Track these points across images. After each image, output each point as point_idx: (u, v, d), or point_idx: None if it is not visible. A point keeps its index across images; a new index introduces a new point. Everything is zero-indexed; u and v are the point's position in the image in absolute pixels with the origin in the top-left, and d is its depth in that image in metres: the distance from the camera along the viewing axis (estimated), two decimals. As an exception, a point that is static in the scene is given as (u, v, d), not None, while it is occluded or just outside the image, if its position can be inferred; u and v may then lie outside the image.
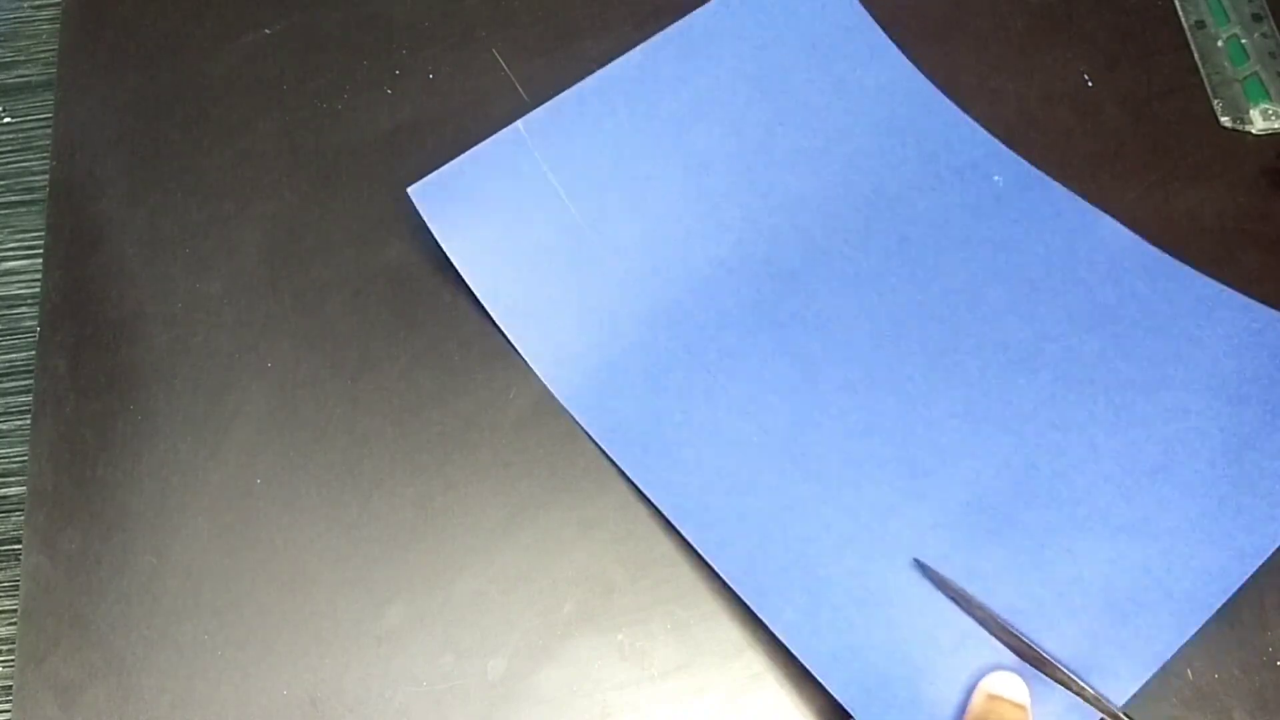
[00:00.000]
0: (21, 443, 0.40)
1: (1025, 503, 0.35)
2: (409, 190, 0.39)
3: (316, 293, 0.42)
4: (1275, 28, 0.45)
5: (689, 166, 0.41)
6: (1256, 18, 0.45)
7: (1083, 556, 0.34)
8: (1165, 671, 0.33)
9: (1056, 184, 0.41)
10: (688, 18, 0.42)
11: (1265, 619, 0.35)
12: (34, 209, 0.45)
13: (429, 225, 0.39)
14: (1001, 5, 0.45)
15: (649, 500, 0.37)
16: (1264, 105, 0.43)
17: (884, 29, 0.44)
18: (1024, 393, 0.37)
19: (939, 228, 0.41)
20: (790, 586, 0.34)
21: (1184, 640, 0.33)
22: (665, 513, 0.36)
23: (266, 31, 0.47)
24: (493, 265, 0.40)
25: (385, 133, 0.45)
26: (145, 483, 0.39)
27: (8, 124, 0.47)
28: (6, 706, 0.36)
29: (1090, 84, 0.44)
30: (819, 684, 0.34)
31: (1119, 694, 0.32)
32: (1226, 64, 0.44)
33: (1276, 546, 0.34)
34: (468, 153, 0.40)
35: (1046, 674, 0.32)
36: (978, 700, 0.32)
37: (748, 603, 0.34)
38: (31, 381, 0.41)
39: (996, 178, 0.41)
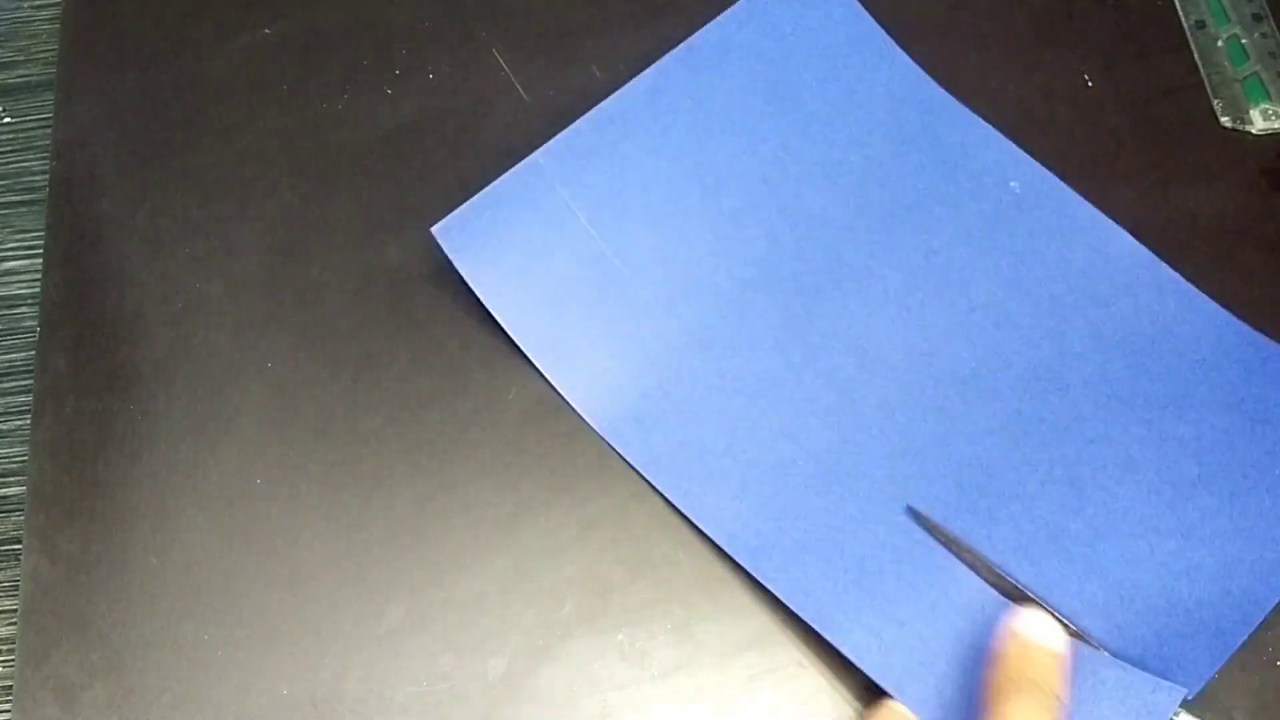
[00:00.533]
0: (21, 443, 0.41)
1: (1074, 514, 0.36)
2: (432, 230, 0.39)
3: (316, 293, 0.42)
4: (1275, 28, 0.45)
5: (706, 186, 0.41)
6: (1256, 18, 0.45)
7: (1136, 562, 0.35)
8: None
9: (1070, 190, 0.41)
10: (696, 35, 0.42)
11: (1265, 619, 0.35)
12: (34, 209, 0.45)
13: (455, 264, 0.39)
14: (1001, 5, 0.45)
15: (693, 522, 0.37)
16: (1264, 105, 0.43)
17: (885, 29, 0.44)
18: (1057, 410, 0.38)
19: (962, 239, 0.41)
20: (855, 608, 0.34)
21: (1249, 632, 0.33)
22: (720, 543, 0.36)
23: (266, 31, 0.47)
24: (521, 299, 0.39)
25: (385, 133, 0.45)
26: (145, 482, 0.39)
27: (8, 124, 0.47)
28: (6, 707, 0.36)
29: (1090, 84, 0.44)
30: (819, 684, 0.34)
31: (1192, 685, 0.33)
32: (1226, 64, 0.44)
33: None
34: (488, 188, 0.39)
35: (999, 590, 0.34)
36: (1006, 641, 0.31)
37: (816, 629, 0.34)
38: (31, 381, 0.41)
39: (1013, 183, 0.41)
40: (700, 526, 0.36)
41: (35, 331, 0.42)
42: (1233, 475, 0.36)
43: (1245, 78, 0.44)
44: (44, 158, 0.45)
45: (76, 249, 0.43)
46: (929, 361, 0.39)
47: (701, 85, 0.42)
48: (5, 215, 0.45)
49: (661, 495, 0.37)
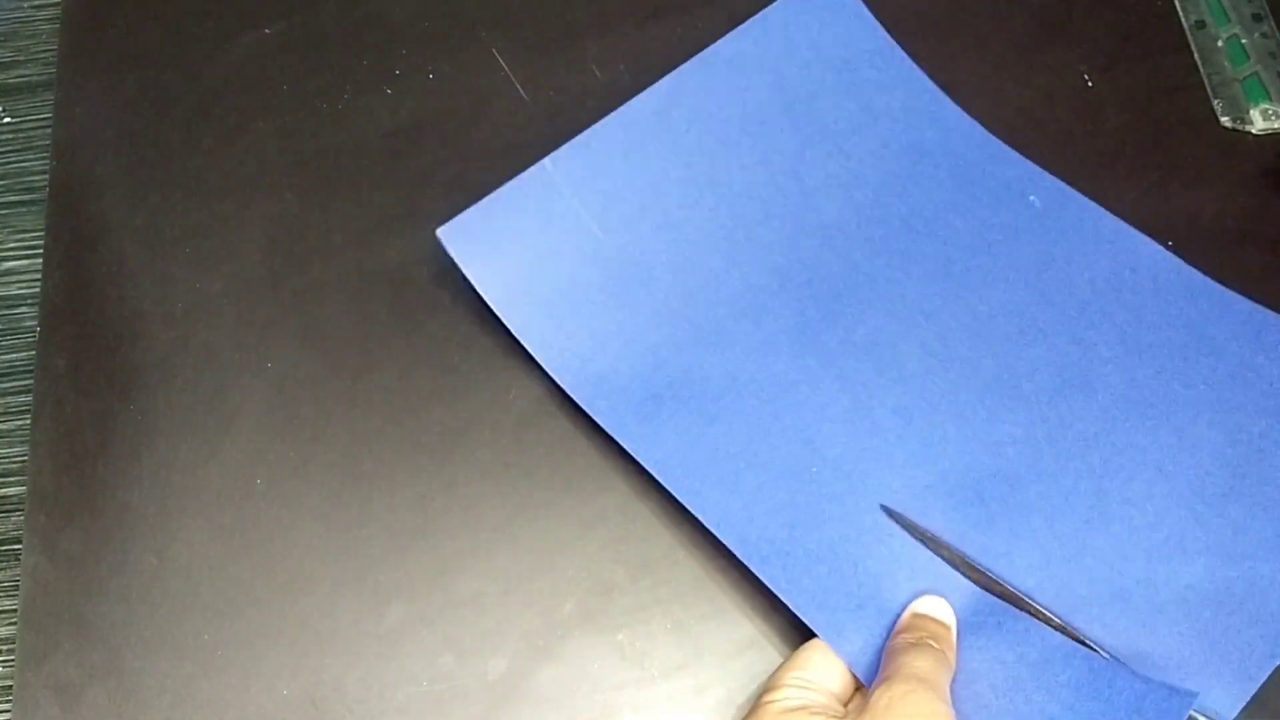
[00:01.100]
0: (21, 443, 0.41)
1: (1099, 529, 0.35)
2: (437, 232, 0.39)
3: (316, 293, 0.42)
4: (1275, 28, 0.45)
5: (720, 195, 0.41)
6: (1256, 18, 0.45)
7: (1163, 584, 0.34)
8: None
9: (1092, 203, 0.41)
10: (712, 46, 0.42)
11: None
12: (34, 209, 0.45)
13: (460, 267, 0.39)
14: (1001, 5, 0.46)
15: (701, 525, 0.36)
16: (1264, 105, 0.43)
17: (886, 29, 0.44)
18: (1083, 416, 0.37)
19: (981, 250, 0.40)
20: (867, 622, 0.34)
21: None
22: (731, 547, 0.35)
23: (266, 31, 0.47)
24: (528, 302, 0.39)
25: (385, 133, 0.45)
26: (145, 482, 0.39)
27: (8, 124, 0.47)
28: (6, 707, 0.36)
29: (1090, 84, 0.44)
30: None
31: (1226, 712, 0.32)
32: (1226, 64, 0.44)
33: None
34: (495, 192, 0.39)
35: (1013, 605, 0.34)
36: (905, 618, 0.33)
37: (821, 637, 0.33)
38: (31, 381, 0.41)
39: (1032, 198, 0.41)
40: (711, 529, 0.36)
41: (35, 331, 0.42)
42: (1267, 486, 0.35)
43: (1245, 78, 0.44)
44: (44, 158, 0.45)
45: (76, 249, 0.43)
46: (948, 367, 0.38)
47: (716, 95, 0.42)
48: (5, 215, 0.45)
49: (670, 496, 0.37)
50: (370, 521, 0.38)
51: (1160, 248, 0.40)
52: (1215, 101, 0.44)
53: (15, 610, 0.38)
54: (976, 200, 0.41)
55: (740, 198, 0.41)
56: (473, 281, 0.39)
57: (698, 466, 0.37)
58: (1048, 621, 0.33)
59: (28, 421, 0.40)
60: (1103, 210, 0.41)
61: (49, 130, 0.46)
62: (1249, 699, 0.32)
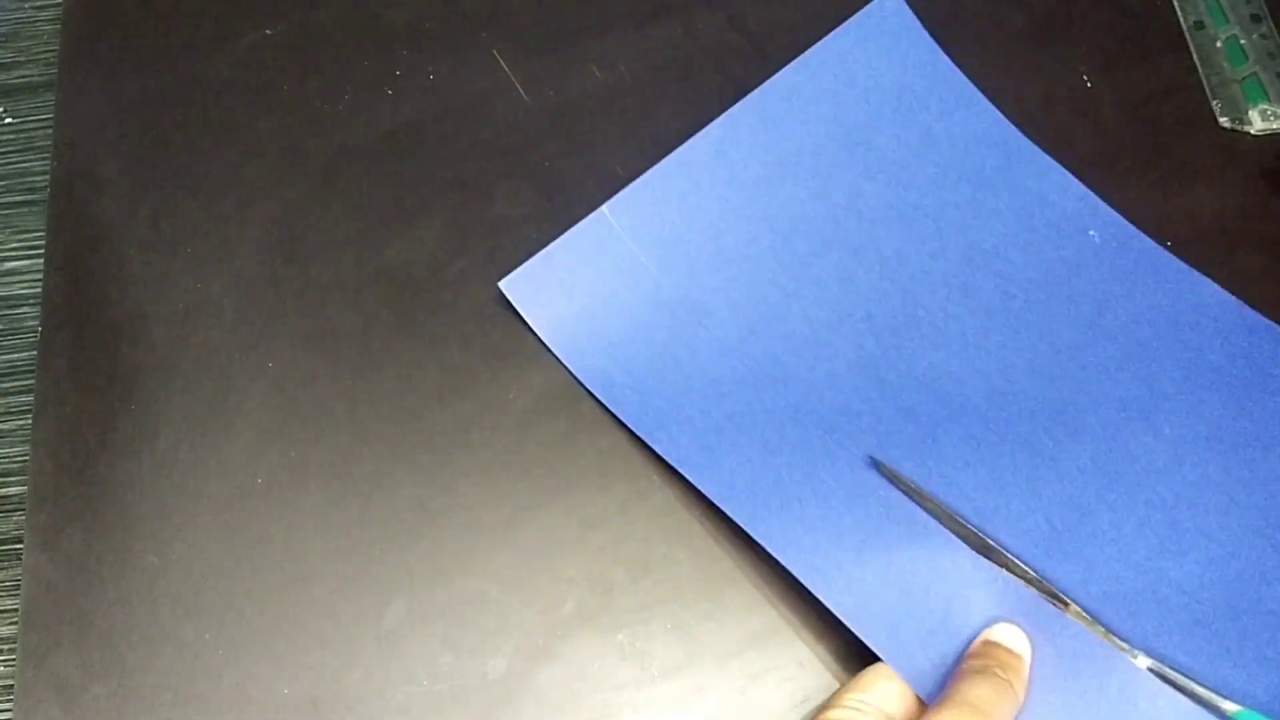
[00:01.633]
0: (23, 442, 0.41)
1: (1174, 560, 0.35)
2: (500, 284, 0.40)
3: (316, 293, 0.42)
4: (1274, 28, 0.45)
5: (777, 230, 0.41)
6: (1255, 18, 0.46)
7: (1246, 612, 0.34)
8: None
9: (1150, 240, 0.40)
10: (768, 83, 0.42)
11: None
12: (35, 209, 0.45)
13: (524, 317, 0.40)
14: (1001, 5, 0.46)
15: (762, 548, 0.35)
16: (1263, 106, 0.43)
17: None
18: (1150, 449, 0.37)
19: (1040, 284, 0.40)
20: (939, 649, 0.33)
21: None
22: (796, 574, 0.35)
23: (267, 32, 0.47)
24: (591, 347, 0.40)
25: (385, 133, 0.45)
26: (146, 482, 0.39)
27: (9, 124, 0.47)
28: (7, 706, 0.36)
29: (1090, 84, 0.44)
30: (819, 684, 0.34)
31: None
32: (1225, 64, 0.45)
33: None
34: (554, 242, 0.40)
35: (996, 562, 0.34)
36: (976, 644, 0.33)
37: (889, 664, 0.33)
38: (33, 381, 0.41)
39: (1092, 233, 0.41)
40: (777, 557, 0.35)
41: (36, 331, 0.42)
42: None
43: (1244, 78, 0.44)
44: (45, 158, 0.46)
45: (77, 249, 0.43)
46: (1011, 401, 0.38)
47: (772, 131, 0.42)
48: (6, 216, 0.45)
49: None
50: (370, 521, 0.38)
51: (1219, 287, 0.39)
52: (1214, 102, 0.44)
53: (16, 609, 0.38)
54: (1036, 233, 0.41)
55: (798, 232, 0.41)
56: (536, 331, 0.40)
57: (761, 496, 0.36)
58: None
59: (29, 421, 0.40)
60: (1161, 248, 0.40)
61: (50, 131, 0.46)
62: None
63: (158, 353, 0.41)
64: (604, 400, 0.39)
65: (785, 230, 0.41)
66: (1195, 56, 0.45)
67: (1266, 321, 0.39)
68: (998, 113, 0.43)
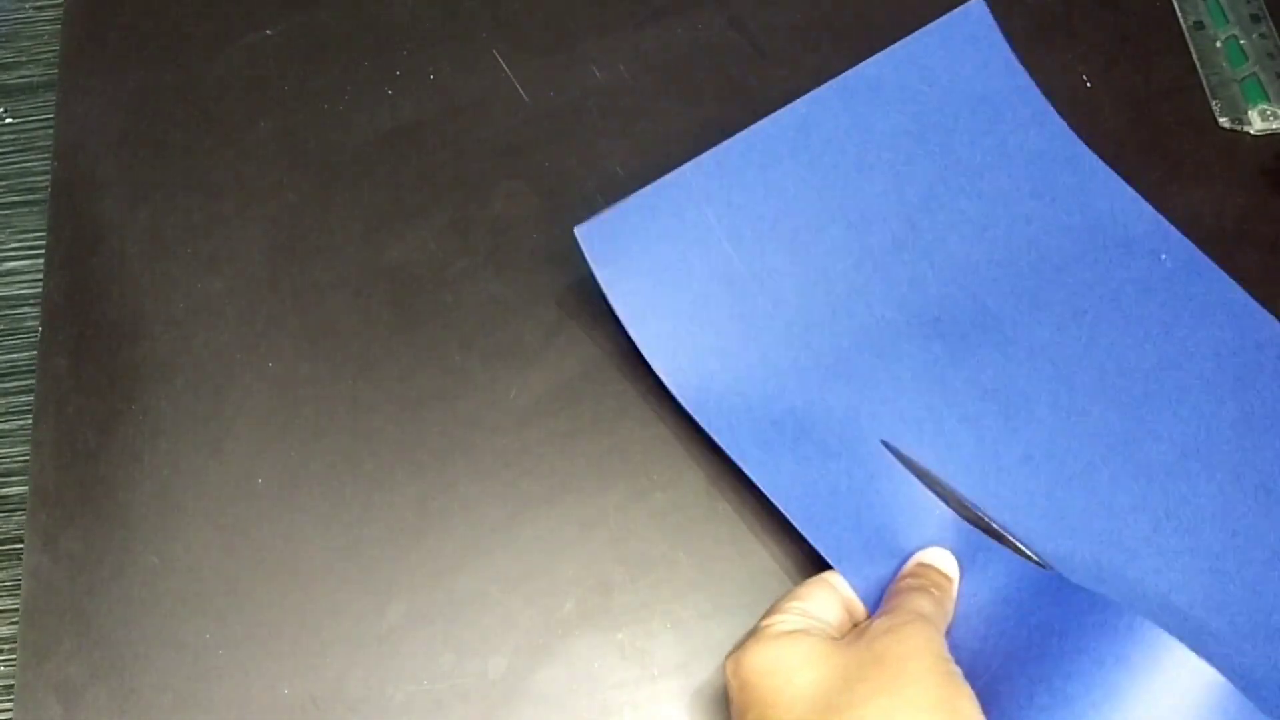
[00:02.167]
0: (23, 442, 0.41)
1: (1215, 611, 0.34)
2: (575, 230, 0.38)
3: (317, 293, 0.42)
4: (1273, 28, 0.45)
5: (851, 220, 0.40)
6: (1255, 18, 0.46)
7: None
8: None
9: (1220, 271, 0.40)
10: (853, 70, 0.41)
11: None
12: (35, 209, 0.45)
13: (591, 266, 0.38)
14: (1001, 5, 0.45)
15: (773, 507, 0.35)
16: (1262, 106, 0.43)
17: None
18: (1204, 493, 0.36)
19: (1110, 304, 0.40)
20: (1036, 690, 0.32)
21: None
22: (850, 584, 0.34)
23: (267, 32, 0.47)
24: (654, 314, 0.38)
25: (385, 133, 0.45)
26: (147, 482, 0.39)
27: (9, 124, 0.47)
28: (8, 706, 0.36)
29: (1090, 84, 0.44)
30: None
31: None
32: (1225, 65, 0.45)
33: None
34: (634, 195, 0.38)
35: (995, 540, 0.34)
36: (911, 565, 0.34)
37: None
38: (33, 381, 0.41)
39: (1164, 257, 0.40)
40: (834, 567, 0.35)
41: (37, 332, 0.42)
42: None
43: (1243, 78, 0.44)
44: (45, 158, 0.46)
45: (78, 249, 0.43)
46: (1075, 421, 0.38)
47: (854, 121, 0.41)
48: (7, 216, 0.45)
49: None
50: (370, 521, 0.38)
51: None
52: (1213, 102, 0.44)
53: (17, 609, 0.38)
54: (1108, 254, 0.40)
55: (871, 227, 0.40)
56: (602, 285, 0.38)
57: (819, 500, 0.36)
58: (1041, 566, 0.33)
59: (29, 421, 0.40)
60: (1231, 281, 0.40)
61: (50, 131, 0.46)
62: None
63: (158, 353, 0.41)
64: (661, 374, 0.38)
65: (858, 222, 0.40)
66: (1195, 56, 0.45)
67: None
68: (1072, 132, 0.43)
